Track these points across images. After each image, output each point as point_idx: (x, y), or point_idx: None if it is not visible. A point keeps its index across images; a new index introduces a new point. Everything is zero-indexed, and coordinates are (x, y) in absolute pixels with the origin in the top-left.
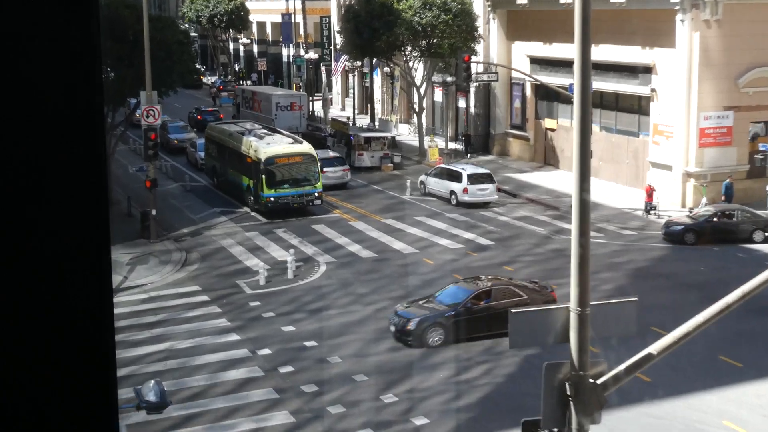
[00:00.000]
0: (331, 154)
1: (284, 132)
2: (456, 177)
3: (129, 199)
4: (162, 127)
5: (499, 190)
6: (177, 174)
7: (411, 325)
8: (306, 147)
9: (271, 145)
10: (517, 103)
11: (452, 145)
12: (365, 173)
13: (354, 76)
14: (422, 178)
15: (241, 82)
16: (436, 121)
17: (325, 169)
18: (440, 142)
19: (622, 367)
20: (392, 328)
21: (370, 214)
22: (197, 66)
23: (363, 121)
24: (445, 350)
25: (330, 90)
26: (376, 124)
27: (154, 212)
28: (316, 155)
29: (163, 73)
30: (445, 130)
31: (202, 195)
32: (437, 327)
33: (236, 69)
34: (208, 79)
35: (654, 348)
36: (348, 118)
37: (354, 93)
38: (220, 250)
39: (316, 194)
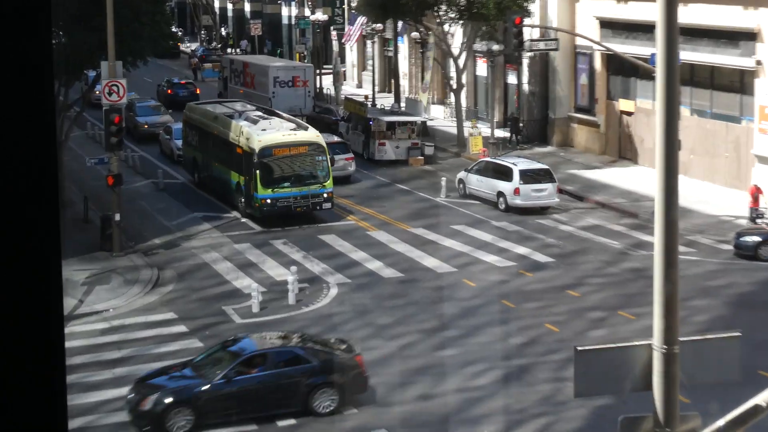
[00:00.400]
0: (335, 138)
1: (284, 115)
2: (505, 174)
3: (86, 200)
4: (128, 108)
5: (560, 191)
6: (147, 168)
7: (147, 404)
8: (312, 134)
9: (267, 132)
10: (583, 79)
11: (500, 133)
12: (388, 168)
13: (374, 43)
14: (461, 175)
15: (229, 50)
16: (479, 102)
17: None
18: (484, 129)
19: (721, 422)
20: (127, 407)
21: (395, 222)
22: (173, 29)
23: (385, 101)
24: None
25: (343, 61)
26: (402, 105)
27: (117, 217)
28: (324, 145)
29: (130, 37)
30: (490, 113)
31: (179, 195)
32: (184, 407)
33: (223, 34)
34: (188, 47)
35: (763, 398)
36: (366, 97)
37: (374, 65)
38: (202, 266)
39: (326, 195)
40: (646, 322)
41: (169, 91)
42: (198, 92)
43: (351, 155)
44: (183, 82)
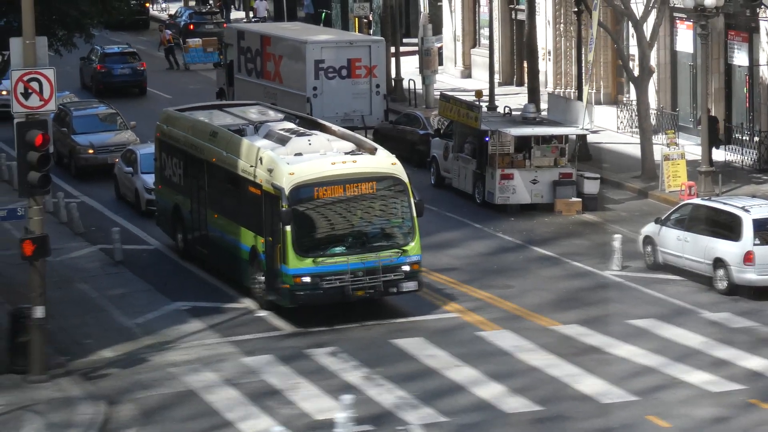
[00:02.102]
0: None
1: (334, 128)
2: (728, 228)
3: None
4: (58, 120)
5: None
6: (94, 225)
7: None
8: (383, 161)
9: (305, 159)
10: None
11: (716, 154)
12: (519, 219)
13: None
14: (649, 229)
15: (236, 15)
16: (681, 100)
17: None
18: (690, 148)
19: None
20: None
21: (529, 314)
22: None
23: (513, 100)
24: None
25: (437, 32)
26: (544, 107)
27: (40, 314)
28: (406, 179)
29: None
30: (702, 118)
31: (149, 273)
32: None
33: None
34: (164, 9)
35: None
36: (479, 94)
37: (492, 38)
38: (185, 398)
39: (408, 268)
40: None
41: (99, 67)
42: (143, 67)
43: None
44: (123, 51)
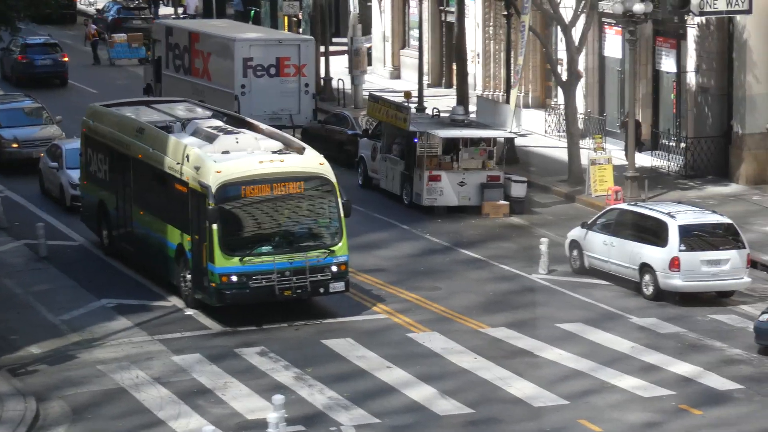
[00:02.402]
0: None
1: (262, 126)
2: (654, 233)
3: None
4: None
5: (752, 263)
6: (17, 220)
7: None
8: (311, 161)
9: (232, 157)
10: None
11: (642, 159)
12: (446, 221)
13: None
14: (575, 234)
15: (165, 11)
16: (609, 104)
17: None
18: (617, 152)
19: None
20: None
21: (458, 316)
22: None
23: (442, 102)
24: None
25: (367, 32)
26: (472, 109)
27: None
28: (333, 179)
29: None
30: (628, 124)
31: (74, 269)
32: None
33: None
34: (91, 4)
35: None
36: (408, 95)
37: (421, 38)
38: (115, 395)
39: (335, 268)
40: None
41: (20, 58)
42: (66, 59)
43: None
44: (44, 42)
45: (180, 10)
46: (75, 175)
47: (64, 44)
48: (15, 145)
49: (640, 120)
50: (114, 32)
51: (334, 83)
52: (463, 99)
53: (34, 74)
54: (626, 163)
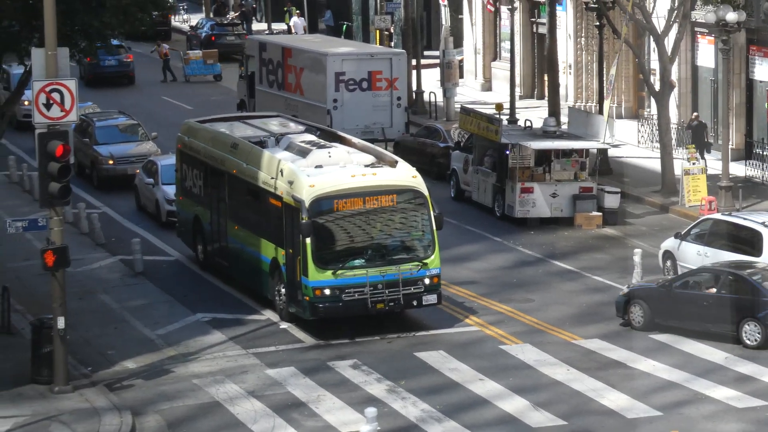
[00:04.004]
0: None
1: (354, 140)
2: (748, 243)
3: (5, 293)
4: (80, 130)
5: None
6: (114, 236)
7: None
8: (403, 174)
9: (325, 171)
10: None
11: (738, 168)
12: (539, 233)
13: (513, 11)
14: (669, 244)
15: (253, 25)
16: (702, 116)
17: None
18: (712, 163)
19: None
20: None
21: (551, 328)
22: None
23: (534, 113)
24: None
25: (458, 44)
26: (564, 121)
27: (61, 324)
28: (426, 192)
29: (84, 9)
30: (722, 133)
31: (170, 284)
32: None
33: None
34: (185, 20)
35: None
36: (499, 107)
37: (513, 51)
38: (210, 409)
39: (428, 281)
40: None
41: (88, 59)
42: (130, 59)
43: None
44: (121, 51)
45: (273, 27)
46: (170, 190)
47: (153, 59)
48: (111, 162)
49: (733, 129)
50: (207, 48)
51: (425, 96)
52: (554, 110)
53: (102, 74)
54: (720, 172)
